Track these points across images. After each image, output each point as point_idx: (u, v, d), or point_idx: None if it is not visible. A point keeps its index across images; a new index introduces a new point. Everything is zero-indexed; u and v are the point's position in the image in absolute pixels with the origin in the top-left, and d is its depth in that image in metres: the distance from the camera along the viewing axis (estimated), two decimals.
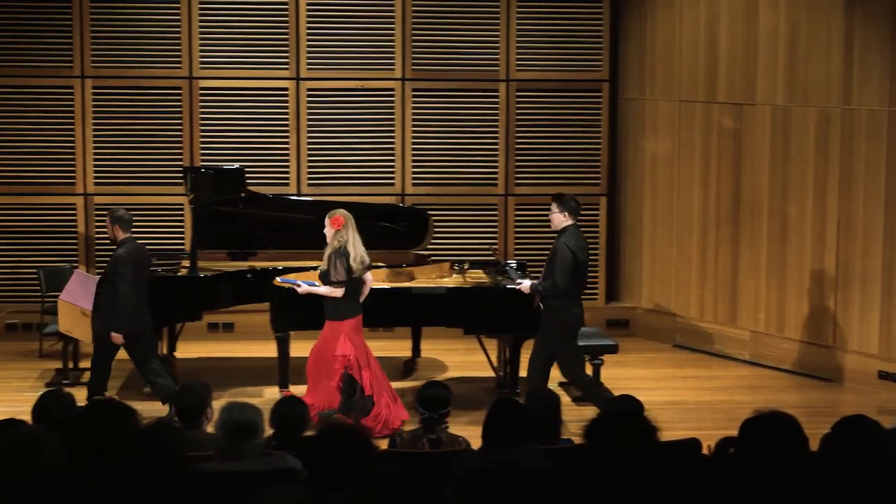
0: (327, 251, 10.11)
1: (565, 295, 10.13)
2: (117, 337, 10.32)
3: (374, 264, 11.56)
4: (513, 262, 12.16)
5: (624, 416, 5.17)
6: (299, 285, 10.41)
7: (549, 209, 13.80)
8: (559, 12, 13.74)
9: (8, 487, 4.73)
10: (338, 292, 10.05)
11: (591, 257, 13.87)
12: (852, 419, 5.39)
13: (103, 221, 13.29)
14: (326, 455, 4.91)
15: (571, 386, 11.23)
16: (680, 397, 11.59)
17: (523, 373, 10.93)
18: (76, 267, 12.56)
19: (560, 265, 10.05)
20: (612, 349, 11.45)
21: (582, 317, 10.43)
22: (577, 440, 6.39)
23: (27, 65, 13.33)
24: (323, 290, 10.12)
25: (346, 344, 10.06)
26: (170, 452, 5.26)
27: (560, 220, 10.26)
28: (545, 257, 13.37)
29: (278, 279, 10.97)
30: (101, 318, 10.44)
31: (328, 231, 10.12)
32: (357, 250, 10.07)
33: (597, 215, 13.95)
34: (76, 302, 10.96)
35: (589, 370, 11.39)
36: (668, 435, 5.44)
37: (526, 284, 10.42)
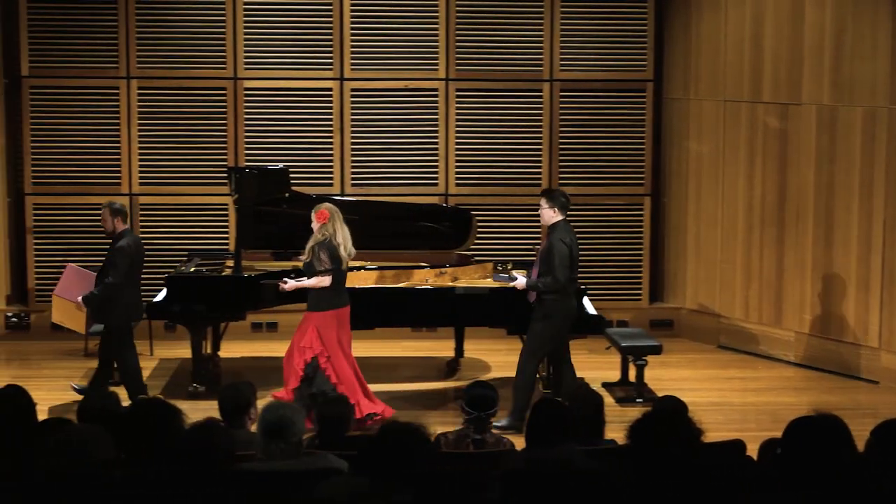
0: (310, 243, 10.17)
1: (562, 290, 10.15)
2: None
3: (418, 264, 11.59)
4: None
5: (668, 416, 5.14)
6: (285, 282, 10.46)
7: (593, 209, 13.81)
8: (603, 12, 13.70)
9: (59, 485, 4.76)
10: (325, 281, 10.11)
11: (635, 257, 13.87)
12: (893, 423, 5.34)
13: (149, 221, 13.41)
14: (387, 453, 4.92)
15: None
16: (724, 398, 11.54)
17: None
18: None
19: (560, 260, 10.09)
20: (656, 350, 11.41)
21: (575, 310, 10.45)
22: (619, 441, 6.38)
23: (73, 66, 13.42)
24: (311, 281, 10.16)
25: (314, 336, 10.11)
26: (215, 452, 5.27)
27: (550, 215, 10.31)
28: (588, 257, 13.38)
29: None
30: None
31: (314, 225, 10.18)
32: (347, 242, 10.16)
33: (641, 216, 13.91)
34: (70, 297, 11.04)
35: (633, 371, 11.36)
36: (712, 436, 5.41)
37: (521, 281, 10.40)
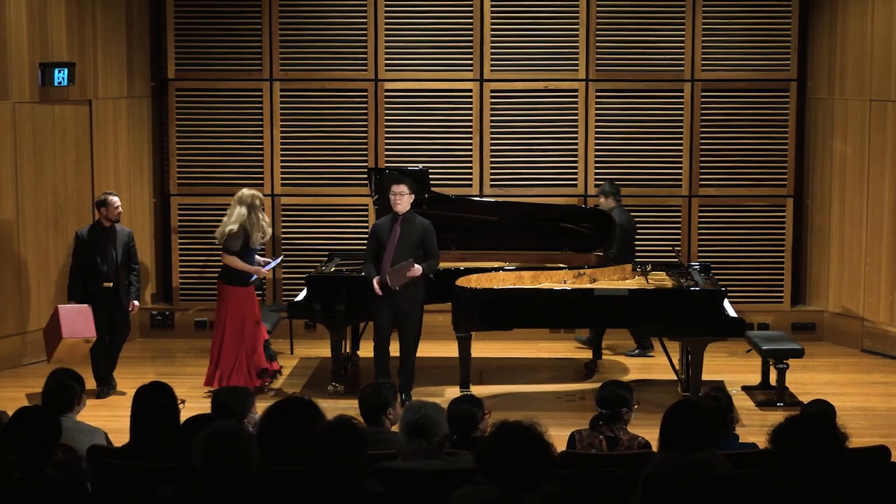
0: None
1: None
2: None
3: (557, 265, 11.59)
4: (696, 265, 12.04)
5: (813, 421, 5.06)
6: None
7: (735, 210, 13.66)
8: (746, 10, 13.53)
9: (216, 475, 4.82)
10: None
11: (777, 259, 13.67)
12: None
13: (290, 221, 13.58)
14: (508, 456, 4.91)
15: (756, 390, 11.13)
16: (868, 403, 11.32)
17: (707, 376, 10.83)
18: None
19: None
20: (798, 353, 11.23)
21: None
22: (760, 445, 6.30)
23: (218, 69, 13.66)
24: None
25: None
26: (351, 451, 5.25)
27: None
28: (729, 259, 13.26)
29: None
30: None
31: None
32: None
33: (783, 217, 13.71)
34: (80, 334, 11.07)
35: (774, 374, 11.22)
36: (855, 442, 5.32)
37: (418, 268, 10.79)
